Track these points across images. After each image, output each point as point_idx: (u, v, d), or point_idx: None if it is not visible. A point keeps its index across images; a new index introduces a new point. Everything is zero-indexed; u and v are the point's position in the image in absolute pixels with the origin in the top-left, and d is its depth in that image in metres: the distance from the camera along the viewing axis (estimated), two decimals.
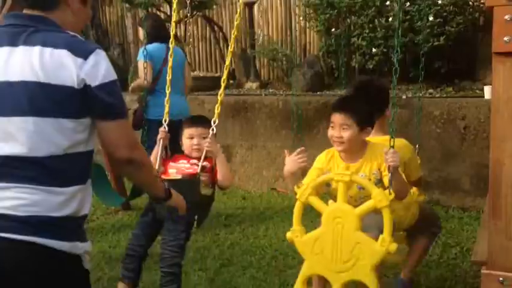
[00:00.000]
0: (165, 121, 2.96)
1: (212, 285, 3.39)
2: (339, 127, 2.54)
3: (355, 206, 2.43)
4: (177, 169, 2.82)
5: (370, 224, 2.38)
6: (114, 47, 8.30)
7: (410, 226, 2.87)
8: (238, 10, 2.96)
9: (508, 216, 2.18)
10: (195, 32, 7.86)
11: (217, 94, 2.89)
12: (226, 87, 6.36)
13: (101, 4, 8.61)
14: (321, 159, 2.68)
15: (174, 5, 3.05)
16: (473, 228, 4.09)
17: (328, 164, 2.64)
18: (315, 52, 6.71)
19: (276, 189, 5.46)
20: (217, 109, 2.83)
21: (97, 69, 1.56)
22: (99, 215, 4.95)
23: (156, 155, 2.87)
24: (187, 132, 2.90)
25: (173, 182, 2.53)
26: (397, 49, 2.36)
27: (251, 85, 6.60)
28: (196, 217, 2.76)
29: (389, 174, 2.40)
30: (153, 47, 4.42)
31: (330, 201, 2.63)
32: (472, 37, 5.36)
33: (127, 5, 7.40)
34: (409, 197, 2.96)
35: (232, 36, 2.91)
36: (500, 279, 2.20)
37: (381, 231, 2.30)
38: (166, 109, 2.99)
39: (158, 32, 4.55)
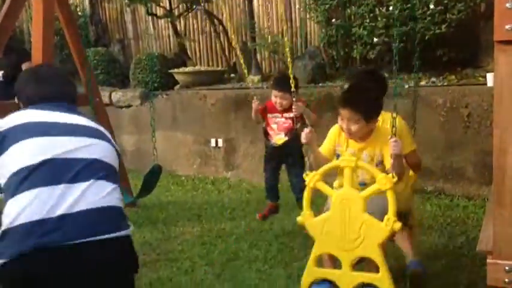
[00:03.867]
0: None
1: (219, 279, 3.40)
2: (347, 121, 2.71)
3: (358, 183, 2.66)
4: (277, 124, 3.66)
5: (373, 210, 2.50)
6: (114, 43, 8.29)
7: (405, 208, 2.99)
8: None
9: None
10: (195, 26, 7.83)
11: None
12: (228, 81, 6.35)
13: (100, 1, 8.59)
14: (333, 132, 2.91)
15: None
16: (479, 216, 4.08)
17: (340, 137, 2.86)
18: (316, 43, 6.67)
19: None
20: (290, 65, 3.21)
21: None
22: None
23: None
24: (273, 92, 3.68)
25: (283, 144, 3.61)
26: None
27: (253, 78, 6.58)
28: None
29: (392, 160, 2.54)
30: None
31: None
32: (473, 24, 5.31)
33: (126, 1, 7.39)
34: (406, 178, 3.10)
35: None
36: (507, 268, 2.19)
37: (383, 215, 2.43)
38: None
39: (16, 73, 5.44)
